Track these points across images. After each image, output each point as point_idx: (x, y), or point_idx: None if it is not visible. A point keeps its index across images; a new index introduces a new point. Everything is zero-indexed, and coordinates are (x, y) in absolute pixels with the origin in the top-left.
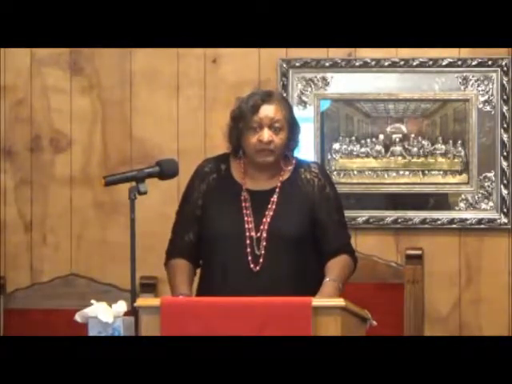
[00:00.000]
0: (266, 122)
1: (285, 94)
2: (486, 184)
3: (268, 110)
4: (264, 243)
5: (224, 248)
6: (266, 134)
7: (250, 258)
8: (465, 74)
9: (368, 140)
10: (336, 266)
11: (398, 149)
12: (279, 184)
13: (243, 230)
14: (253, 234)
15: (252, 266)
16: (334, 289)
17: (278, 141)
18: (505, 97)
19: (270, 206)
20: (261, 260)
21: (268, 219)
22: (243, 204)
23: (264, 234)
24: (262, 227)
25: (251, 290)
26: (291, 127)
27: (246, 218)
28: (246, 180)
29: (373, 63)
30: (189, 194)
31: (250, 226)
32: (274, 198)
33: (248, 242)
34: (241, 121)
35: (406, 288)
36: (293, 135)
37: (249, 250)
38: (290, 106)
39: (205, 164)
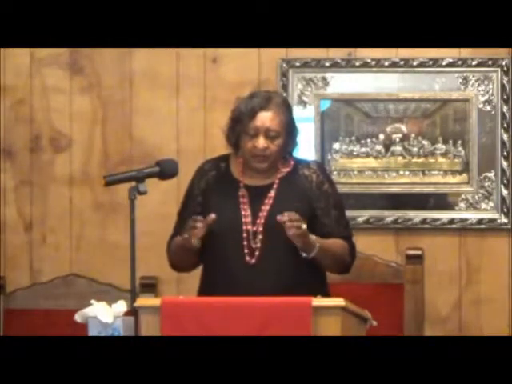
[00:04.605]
0: (262, 130)
1: (285, 94)
2: (486, 184)
3: (265, 118)
4: (260, 236)
5: (222, 241)
6: (261, 142)
7: (246, 250)
8: (465, 74)
9: (368, 140)
10: (328, 239)
11: (398, 149)
12: (277, 180)
13: (240, 223)
14: (249, 227)
15: (248, 258)
16: (311, 236)
17: (274, 147)
18: (505, 97)
19: (267, 201)
20: (256, 253)
21: (265, 213)
22: (241, 199)
23: (260, 228)
24: (258, 221)
25: (249, 282)
26: (289, 131)
27: (243, 212)
28: (245, 177)
29: (373, 63)
30: (189, 193)
31: (248, 219)
32: (272, 193)
33: (245, 235)
34: (238, 124)
35: (406, 288)
36: (291, 139)
37: (245, 243)
38: (289, 109)
39: (204, 163)
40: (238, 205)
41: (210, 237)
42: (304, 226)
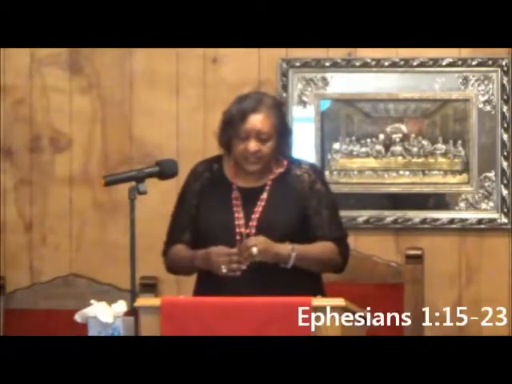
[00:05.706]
0: (253, 133)
1: (285, 94)
2: (486, 184)
3: (256, 121)
4: None
5: (215, 244)
6: (253, 145)
7: None
8: (465, 74)
9: (368, 140)
10: (309, 245)
11: (398, 149)
12: (270, 182)
13: (233, 226)
14: (242, 229)
15: None
16: (284, 247)
17: (266, 149)
18: (505, 97)
19: (259, 203)
20: None
21: (257, 215)
22: (234, 201)
23: (253, 230)
24: (251, 223)
25: (242, 285)
26: (281, 133)
27: (236, 215)
28: (238, 178)
29: (373, 63)
30: (184, 195)
31: (241, 222)
32: (264, 195)
33: (238, 237)
34: (229, 127)
35: (406, 288)
36: (283, 140)
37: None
38: (280, 110)
39: (197, 165)
40: (231, 207)
41: (203, 239)
42: (254, 250)
